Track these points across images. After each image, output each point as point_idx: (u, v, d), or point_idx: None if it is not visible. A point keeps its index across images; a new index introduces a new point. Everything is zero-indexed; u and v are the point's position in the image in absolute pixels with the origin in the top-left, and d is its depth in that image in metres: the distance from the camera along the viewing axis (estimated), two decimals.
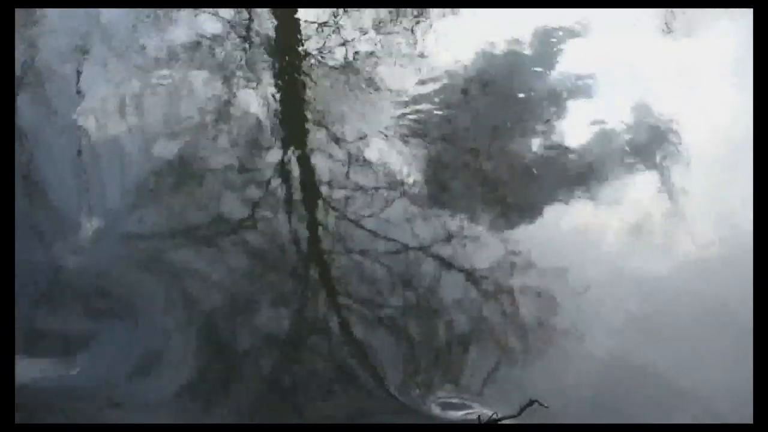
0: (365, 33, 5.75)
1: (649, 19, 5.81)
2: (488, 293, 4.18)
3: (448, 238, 4.42)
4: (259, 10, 5.89)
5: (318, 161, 4.88)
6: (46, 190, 4.67)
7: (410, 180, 4.73)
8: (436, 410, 3.68)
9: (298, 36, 5.76)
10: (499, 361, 3.88)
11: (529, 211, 4.59)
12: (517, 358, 3.90)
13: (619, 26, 5.64)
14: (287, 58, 5.67)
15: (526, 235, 4.45)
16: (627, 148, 4.94)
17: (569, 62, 5.47)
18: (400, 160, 4.84)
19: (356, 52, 5.60)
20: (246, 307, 4.08)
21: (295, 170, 4.83)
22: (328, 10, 5.89)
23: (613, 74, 5.37)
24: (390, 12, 5.89)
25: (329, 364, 3.89)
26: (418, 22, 5.85)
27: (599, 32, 5.67)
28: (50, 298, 4.10)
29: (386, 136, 4.98)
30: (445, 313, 4.09)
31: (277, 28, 5.82)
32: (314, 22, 5.83)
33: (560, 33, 5.65)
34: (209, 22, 5.81)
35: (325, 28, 5.79)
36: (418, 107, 5.16)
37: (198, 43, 5.62)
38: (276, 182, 4.75)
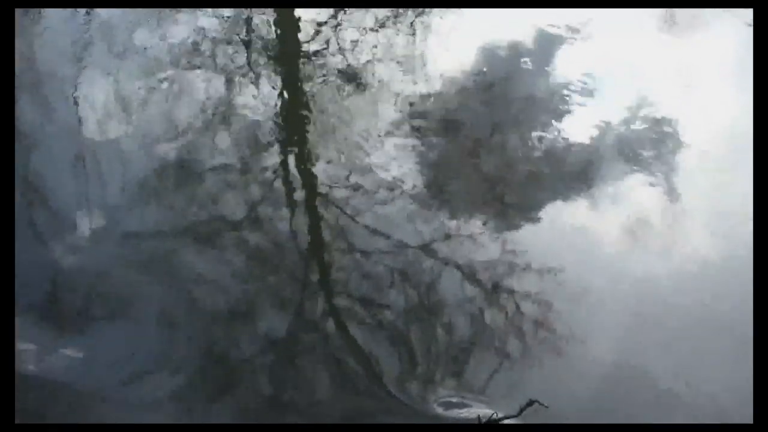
0: (365, 33, 5.75)
1: (649, 19, 5.81)
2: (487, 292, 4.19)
3: (447, 237, 4.42)
4: (258, 10, 5.89)
5: (318, 161, 4.88)
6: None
7: (409, 180, 4.73)
8: (438, 409, 3.69)
9: (298, 36, 5.76)
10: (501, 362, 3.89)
11: (529, 211, 4.59)
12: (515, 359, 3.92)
13: (620, 26, 5.64)
14: (287, 58, 5.67)
15: (525, 235, 4.46)
16: (627, 148, 4.95)
17: (569, 62, 5.48)
18: (400, 160, 4.84)
19: (356, 53, 5.61)
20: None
21: (295, 170, 4.83)
22: (329, 10, 5.89)
23: (614, 74, 5.38)
24: (390, 12, 5.90)
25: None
26: (418, 22, 5.86)
27: (599, 32, 5.67)
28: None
29: (386, 135, 4.99)
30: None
31: (276, 24, 5.82)
32: (314, 22, 5.83)
33: (560, 33, 5.65)
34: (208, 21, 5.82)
35: (325, 29, 5.79)
36: (418, 107, 5.16)
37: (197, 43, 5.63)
38: (277, 182, 4.75)
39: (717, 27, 5.71)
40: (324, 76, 5.42)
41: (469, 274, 4.23)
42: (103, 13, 5.81)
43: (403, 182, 4.70)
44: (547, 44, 5.58)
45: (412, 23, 5.84)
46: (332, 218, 4.56)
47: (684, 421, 3.60)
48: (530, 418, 3.58)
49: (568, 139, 4.98)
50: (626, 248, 4.40)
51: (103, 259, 4.27)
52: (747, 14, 5.51)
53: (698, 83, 5.31)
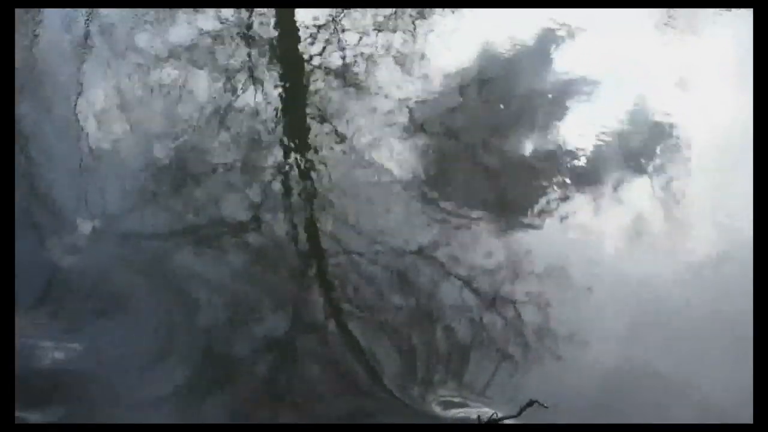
0: (365, 33, 5.75)
1: (649, 19, 5.81)
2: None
3: (447, 236, 4.43)
4: (258, 10, 5.89)
5: (318, 161, 4.88)
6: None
7: (409, 177, 4.73)
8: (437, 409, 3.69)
9: (298, 36, 5.76)
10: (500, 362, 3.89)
11: (527, 211, 4.60)
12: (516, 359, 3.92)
13: (620, 26, 5.64)
14: (287, 58, 5.67)
15: (523, 235, 4.46)
16: (627, 148, 4.95)
17: (569, 62, 5.48)
18: (400, 160, 4.84)
19: (356, 52, 5.61)
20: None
21: (295, 169, 4.83)
22: (329, 11, 5.89)
23: (614, 74, 5.38)
24: (390, 12, 5.90)
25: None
26: (418, 22, 5.86)
27: (599, 32, 5.67)
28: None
29: (385, 135, 4.99)
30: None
31: (276, 26, 5.83)
32: (314, 23, 5.83)
33: (561, 33, 5.66)
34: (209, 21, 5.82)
35: (324, 29, 5.79)
36: (418, 107, 5.16)
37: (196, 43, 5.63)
38: (277, 182, 4.76)
39: (717, 27, 5.72)
40: (324, 76, 5.43)
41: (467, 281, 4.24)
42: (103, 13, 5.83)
43: (402, 182, 4.71)
44: (547, 44, 5.59)
45: (411, 23, 5.85)
46: (331, 219, 4.57)
47: (684, 421, 3.60)
48: (530, 417, 3.58)
49: (567, 138, 4.98)
50: (626, 248, 4.40)
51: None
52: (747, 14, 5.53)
53: (698, 83, 5.31)
